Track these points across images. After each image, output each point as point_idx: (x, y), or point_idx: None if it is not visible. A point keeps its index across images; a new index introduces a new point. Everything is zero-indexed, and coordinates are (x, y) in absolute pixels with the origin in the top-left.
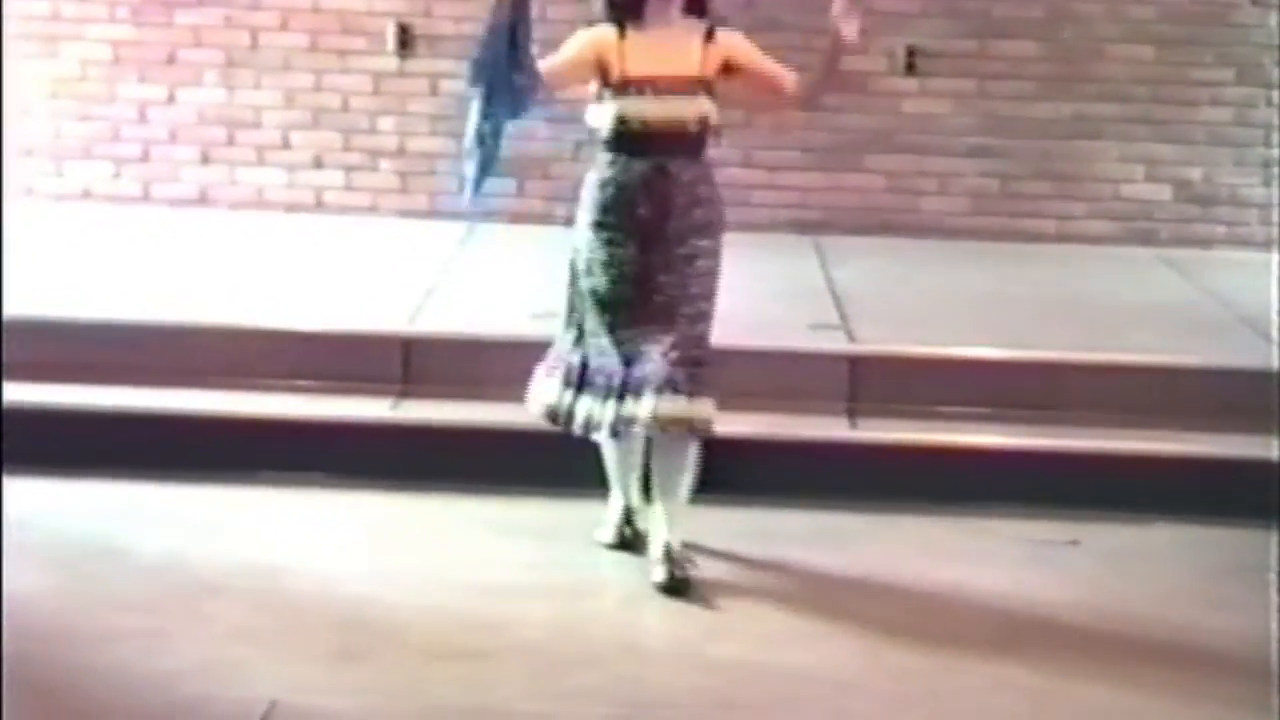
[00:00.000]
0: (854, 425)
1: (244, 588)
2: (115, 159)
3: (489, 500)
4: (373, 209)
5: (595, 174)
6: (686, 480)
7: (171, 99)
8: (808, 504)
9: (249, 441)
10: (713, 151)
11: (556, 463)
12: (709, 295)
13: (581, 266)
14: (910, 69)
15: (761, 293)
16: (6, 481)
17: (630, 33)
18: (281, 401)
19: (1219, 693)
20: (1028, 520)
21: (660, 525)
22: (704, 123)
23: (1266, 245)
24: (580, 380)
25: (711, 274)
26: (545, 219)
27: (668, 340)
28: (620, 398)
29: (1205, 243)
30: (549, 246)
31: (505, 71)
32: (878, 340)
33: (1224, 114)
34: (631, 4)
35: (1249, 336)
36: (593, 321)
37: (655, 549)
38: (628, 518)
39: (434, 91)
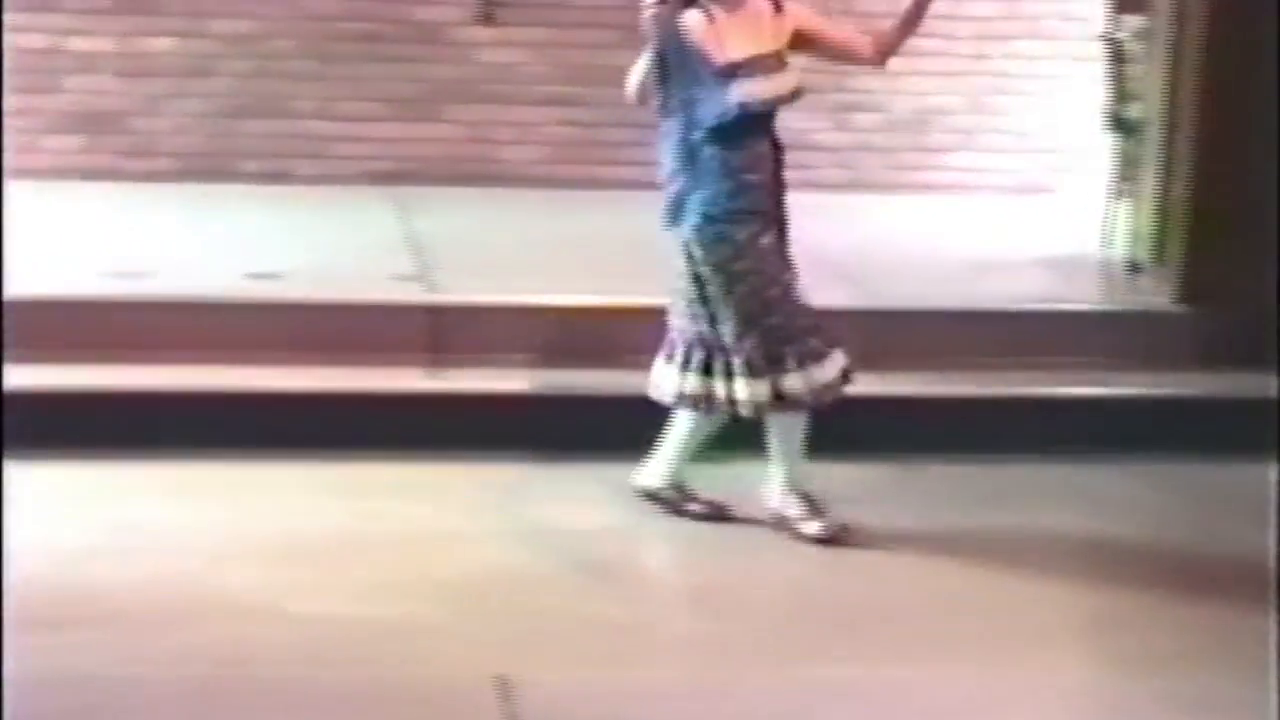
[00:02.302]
0: (436, 375)
1: None
2: None
3: (64, 464)
4: None
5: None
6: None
7: None
8: (393, 455)
9: None
10: None
11: (134, 423)
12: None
13: (710, 256)
14: (487, 19)
15: (342, 245)
16: None
17: (717, 15)
18: None
19: (813, 618)
20: (611, 462)
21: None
22: (798, 94)
23: (836, 187)
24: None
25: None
26: (116, 175)
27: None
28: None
29: None
30: (122, 203)
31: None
32: (459, 290)
33: (797, 60)
34: None
35: (823, 276)
36: (728, 307)
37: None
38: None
39: None
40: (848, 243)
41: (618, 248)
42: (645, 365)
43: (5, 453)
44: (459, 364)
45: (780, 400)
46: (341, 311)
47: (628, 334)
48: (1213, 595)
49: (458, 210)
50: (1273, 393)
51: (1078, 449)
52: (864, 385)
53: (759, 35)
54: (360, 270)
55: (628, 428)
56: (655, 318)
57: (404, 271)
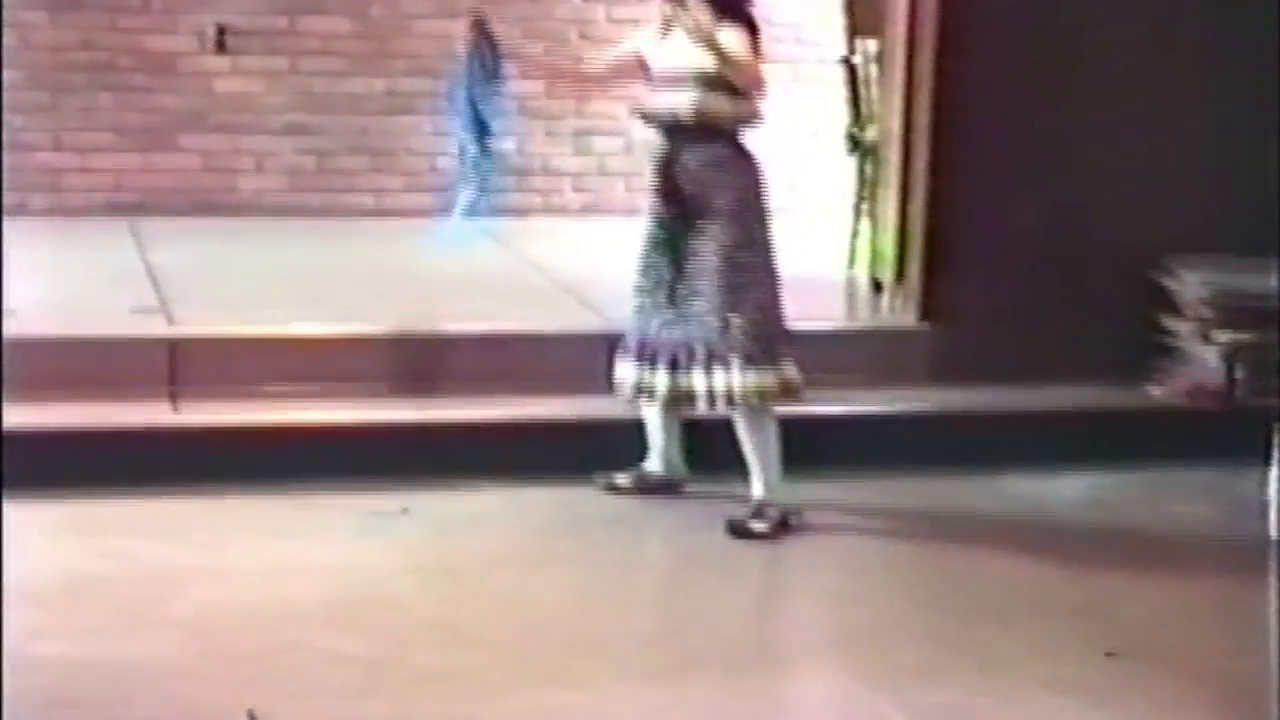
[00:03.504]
0: (176, 409)
1: None
2: None
3: None
4: None
5: None
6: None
7: None
8: (133, 492)
9: None
10: None
11: None
12: (715, 275)
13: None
14: (221, 47)
15: (78, 278)
16: None
17: (671, 29)
18: None
19: (554, 643)
20: (357, 493)
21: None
22: (698, 113)
23: (580, 212)
24: (645, 354)
25: (720, 257)
26: None
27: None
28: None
29: (522, 212)
30: None
31: (479, 99)
32: (198, 322)
33: (533, 85)
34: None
35: (569, 302)
36: (647, 298)
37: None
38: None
39: None
40: (588, 268)
41: (355, 277)
42: (388, 394)
43: None
44: (200, 397)
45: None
46: (80, 346)
47: (368, 364)
48: (953, 609)
49: (195, 241)
50: (1008, 406)
51: (824, 466)
52: (608, 409)
53: (682, 51)
54: (98, 304)
55: (374, 458)
56: (398, 348)
57: (143, 304)
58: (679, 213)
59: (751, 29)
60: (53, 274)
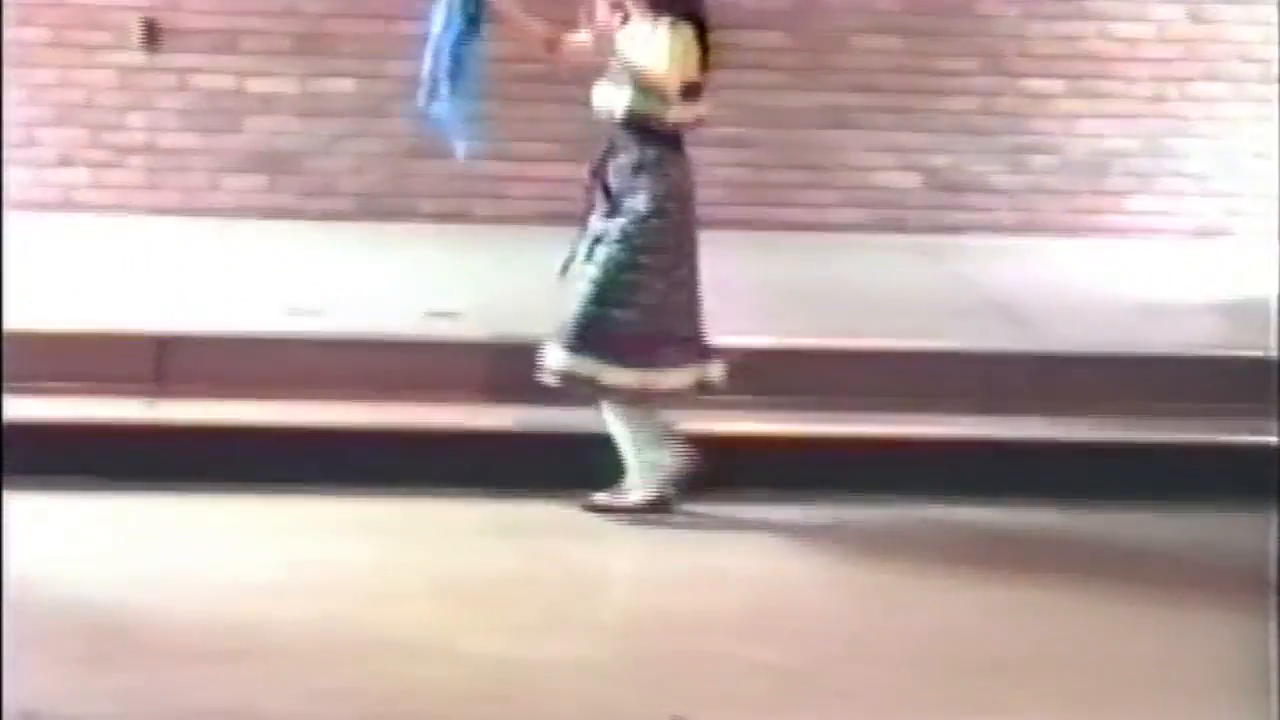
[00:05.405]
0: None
1: None
2: None
3: (244, 499)
4: (121, 206)
5: None
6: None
7: None
8: (560, 496)
9: None
10: None
11: (312, 460)
12: (618, 273)
13: None
14: None
15: (519, 287)
16: None
17: (629, 18)
18: (32, 404)
19: (971, 665)
20: (784, 504)
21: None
22: (630, 113)
23: (1015, 230)
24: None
25: (629, 257)
26: (297, 214)
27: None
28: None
29: (955, 229)
30: (302, 242)
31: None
32: None
33: (970, 103)
34: None
35: (1000, 320)
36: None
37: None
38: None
39: (183, 87)
40: (1020, 285)
41: (783, 289)
42: (814, 407)
43: (180, 489)
44: None
45: None
46: (516, 351)
47: (794, 375)
48: None
49: None
50: None
51: (1253, 497)
52: (1031, 429)
53: (627, 46)
54: (537, 310)
55: (804, 471)
56: (822, 361)
57: None
58: (605, 208)
59: (700, 27)
60: (496, 280)
